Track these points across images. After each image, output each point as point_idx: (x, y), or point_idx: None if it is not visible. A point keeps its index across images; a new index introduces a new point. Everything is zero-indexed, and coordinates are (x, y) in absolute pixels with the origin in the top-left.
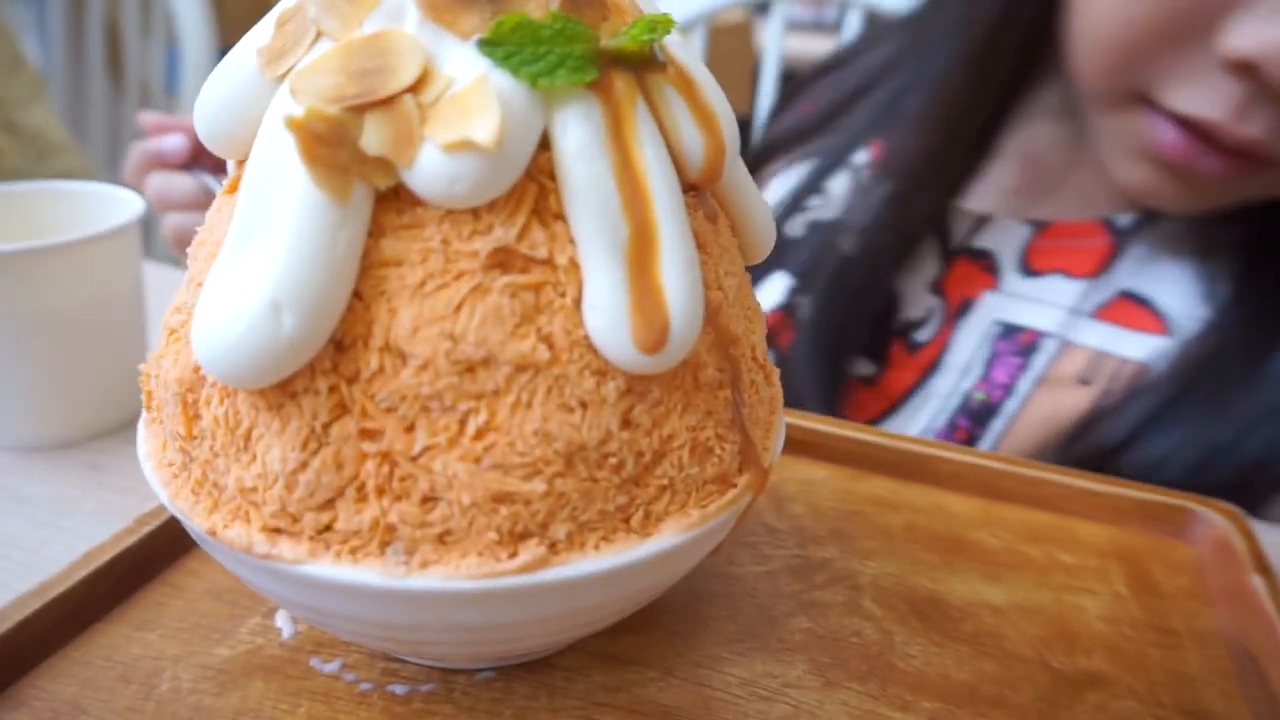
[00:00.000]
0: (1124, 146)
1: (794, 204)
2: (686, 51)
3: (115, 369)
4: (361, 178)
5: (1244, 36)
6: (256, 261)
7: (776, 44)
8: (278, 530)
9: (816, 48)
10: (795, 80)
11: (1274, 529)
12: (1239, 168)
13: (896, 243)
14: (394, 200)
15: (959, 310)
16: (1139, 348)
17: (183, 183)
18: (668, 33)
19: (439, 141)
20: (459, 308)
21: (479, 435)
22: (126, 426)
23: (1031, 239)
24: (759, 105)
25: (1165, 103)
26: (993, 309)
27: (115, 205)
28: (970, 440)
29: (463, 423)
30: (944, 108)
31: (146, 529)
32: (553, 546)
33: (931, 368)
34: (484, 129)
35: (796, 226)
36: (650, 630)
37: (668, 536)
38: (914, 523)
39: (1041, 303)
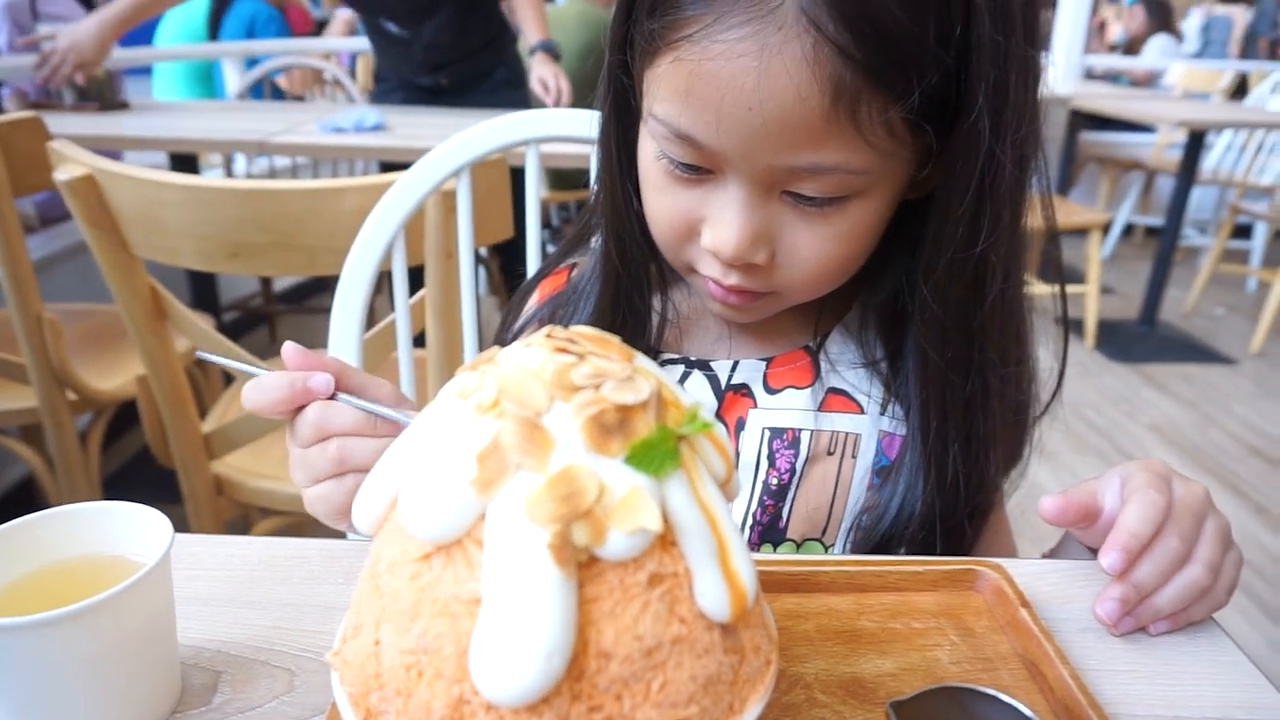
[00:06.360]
0: (703, 294)
1: None
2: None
3: (165, 658)
4: (576, 559)
5: (705, 237)
6: (519, 626)
7: (535, 171)
8: None
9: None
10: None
11: (1028, 562)
12: (750, 297)
13: None
14: (586, 563)
15: (737, 428)
16: (851, 424)
17: (342, 410)
18: (709, 420)
19: (623, 530)
20: (637, 618)
21: (660, 689)
22: (183, 708)
23: (767, 370)
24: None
25: (700, 272)
26: (759, 421)
27: (133, 522)
28: (776, 510)
29: (648, 684)
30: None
31: None
32: None
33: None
34: (652, 520)
35: None
36: None
37: (752, 710)
38: (820, 625)
39: (788, 409)
